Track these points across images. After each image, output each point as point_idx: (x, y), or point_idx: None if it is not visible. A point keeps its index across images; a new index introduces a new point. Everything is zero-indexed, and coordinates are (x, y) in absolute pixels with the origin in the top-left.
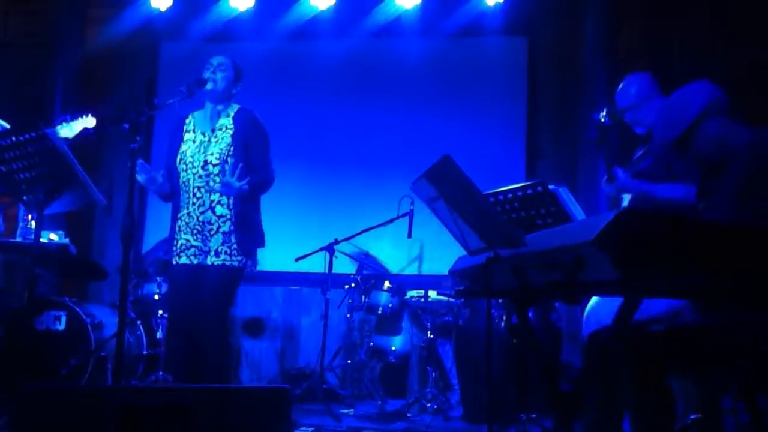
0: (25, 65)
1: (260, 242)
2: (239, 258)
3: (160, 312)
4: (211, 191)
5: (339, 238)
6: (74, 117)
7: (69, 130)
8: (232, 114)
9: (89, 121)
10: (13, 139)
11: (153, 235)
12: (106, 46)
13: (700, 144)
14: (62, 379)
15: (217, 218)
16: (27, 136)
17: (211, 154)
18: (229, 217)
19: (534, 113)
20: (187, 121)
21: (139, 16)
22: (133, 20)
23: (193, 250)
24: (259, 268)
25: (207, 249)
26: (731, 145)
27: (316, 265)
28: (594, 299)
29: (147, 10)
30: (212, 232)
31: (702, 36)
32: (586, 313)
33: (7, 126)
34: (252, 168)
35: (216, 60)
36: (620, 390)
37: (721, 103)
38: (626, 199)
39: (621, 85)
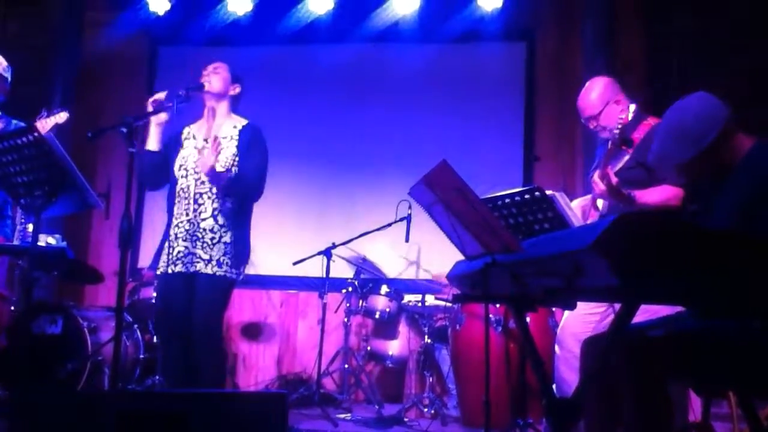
0: (23, 68)
1: (248, 255)
2: (237, 270)
3: None
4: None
5: (336, 242)
6: (49, 113)
7: (42, 125)
8: (240, 127)
9: (61, 117)
10: (11, 142)
11: (149, 240)
12: (104, 50)
13: (717, 155)
14: (59, 383)
15: (219, 227)
16: (24, 139)
17: (216, 161)
18: (230, 227)
19: (532, 118)
20: (184, 132)
21: (137, 19)
22: (131, 24)
23: (190, 257)
24: (256, 271)
25: (208, 258)
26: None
27: (313, 269)
28: (566, 315)
29: (145, 14)
30: (214, 241)
31: (701, 42)
32: (560, 327)
33: (23, 125)
34: (243, 175)
35: (212, 66)
36: (617, 395)
37: (730, 112)
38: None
39: (581, 94)
